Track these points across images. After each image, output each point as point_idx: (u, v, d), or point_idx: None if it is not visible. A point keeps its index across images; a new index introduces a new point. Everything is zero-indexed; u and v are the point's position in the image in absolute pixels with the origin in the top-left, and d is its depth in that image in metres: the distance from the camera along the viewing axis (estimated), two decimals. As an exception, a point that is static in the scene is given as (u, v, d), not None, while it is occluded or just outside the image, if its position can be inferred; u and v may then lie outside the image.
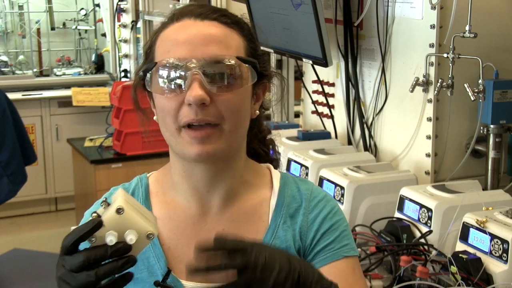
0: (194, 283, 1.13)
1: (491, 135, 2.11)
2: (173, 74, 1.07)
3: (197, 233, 1.16)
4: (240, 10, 2.49)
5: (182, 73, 1.06)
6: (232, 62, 1.08)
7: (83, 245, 0.93)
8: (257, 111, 1.18)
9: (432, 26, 2.17)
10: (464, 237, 1.76)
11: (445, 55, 2.10)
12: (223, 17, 1.12)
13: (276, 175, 1.23)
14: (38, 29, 6.04)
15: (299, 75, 3.05)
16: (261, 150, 1.29)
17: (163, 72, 1.08)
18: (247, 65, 1.10)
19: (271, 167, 1.26)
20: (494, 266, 1.65)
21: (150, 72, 1.10)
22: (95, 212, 0.94)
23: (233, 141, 1.11)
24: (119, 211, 0.92)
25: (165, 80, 1.07)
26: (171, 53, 1.08)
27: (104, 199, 0.96)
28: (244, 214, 1.17)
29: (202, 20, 1.10)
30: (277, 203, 1.18)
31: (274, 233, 1.16)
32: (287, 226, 1.17)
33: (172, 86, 1.07)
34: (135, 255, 0.94)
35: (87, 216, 1.20)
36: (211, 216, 1.16)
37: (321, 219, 1.17)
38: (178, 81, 1.06)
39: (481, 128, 2.13)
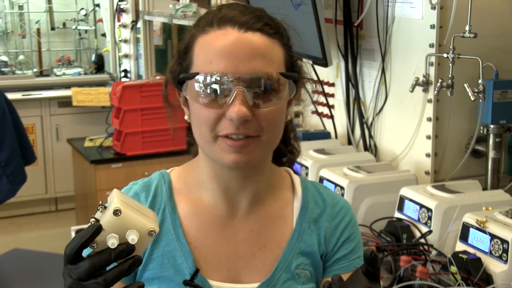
0: (221, 283, 1.13)
1: (491, 135, 2.11)
2: (215, 87, 1.04)
3: (224, 233, 1.16)
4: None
5: (225, 88, 1.04)
6: (276, 78, 1.07)
7: (86, 251, 0.92)
8: (289, 116, 1.18)
9: (432, 26, 2.17)
10: (464, 237, 1.76)
11: (445, 55, 2.10)
12: (267, 26, 1.10)
13: (296, 178, 1.24)
14: (38, 29, 6.03)
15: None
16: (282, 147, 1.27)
17: (205, 84, 1.05)
18: (288, 79, 1.10)
19: (289, 170, 1.26)
20: (494, 266, 1.65)
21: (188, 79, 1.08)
22: (93, 217, 0.93)
23: (269, 150, 1.13)
24: (116, 212, 0.91)
25: (206, 91, 1.05)
26: (213, 65, 1.05)
27: (100, 202, 0.95)
28: (269, 217, 1.18)
29: (246, 31, 1.07)
30: (301, 207, 1.19)
31: (299, 237, 1.17)
32: (311, 231, 1.18)
33: (213, 98, 1.05)
34: (139, 255, 0.93)
35: None
36: (238, 218, 1.17)
37: (343, 226, 1.19)
38: (220, 94, 1.04)
39: (481, 128, 2.13)
